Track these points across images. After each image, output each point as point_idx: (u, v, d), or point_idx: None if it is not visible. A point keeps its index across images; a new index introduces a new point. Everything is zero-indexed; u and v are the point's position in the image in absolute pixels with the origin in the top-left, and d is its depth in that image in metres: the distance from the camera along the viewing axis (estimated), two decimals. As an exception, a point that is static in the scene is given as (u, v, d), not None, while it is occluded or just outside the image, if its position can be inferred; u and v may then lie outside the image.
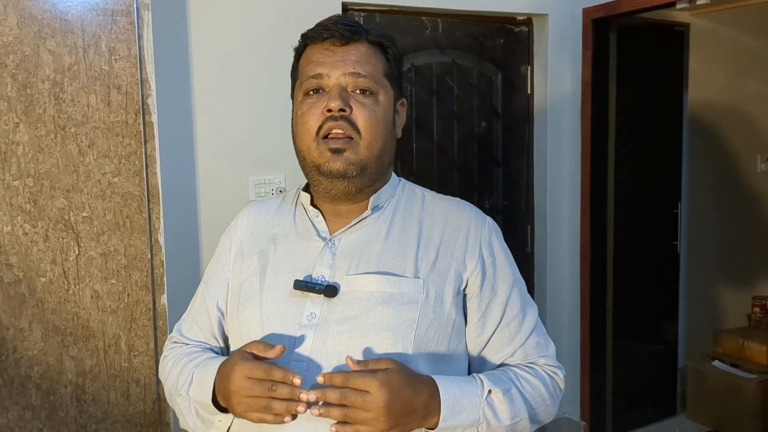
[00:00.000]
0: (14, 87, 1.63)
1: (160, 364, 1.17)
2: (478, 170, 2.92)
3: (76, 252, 1.72)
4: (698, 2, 2.67)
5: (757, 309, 3.47)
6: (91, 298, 1.74)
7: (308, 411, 0.90)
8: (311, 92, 1.05)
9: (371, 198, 1.08)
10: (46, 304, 1.69)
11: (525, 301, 1.11)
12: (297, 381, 0.90)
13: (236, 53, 2.25)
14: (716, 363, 3.22)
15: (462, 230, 1.08)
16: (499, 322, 1.07)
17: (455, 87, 2.81)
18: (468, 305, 1.07)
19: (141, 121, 1.77)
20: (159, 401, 1.84)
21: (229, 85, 2.25)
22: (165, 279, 1.83)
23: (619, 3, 2.72)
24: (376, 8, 2.56)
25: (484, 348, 1.08)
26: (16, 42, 1.63)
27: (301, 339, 1.00)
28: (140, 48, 1.76)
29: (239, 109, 2.27)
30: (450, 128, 2.82)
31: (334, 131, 1.02)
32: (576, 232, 2.99)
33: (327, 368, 0.96)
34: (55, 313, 1.70)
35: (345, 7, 2.48)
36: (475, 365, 1.10)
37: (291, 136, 1.10)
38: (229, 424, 1.02)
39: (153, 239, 1.81)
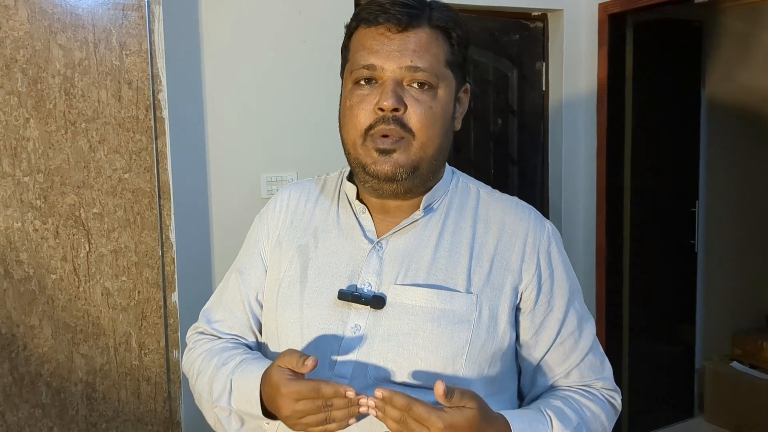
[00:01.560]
0: (24, 82, 1.62)
1: (184, 356, 1.10)
2: (494, 168, 2.88)
3: (87, 249, 1.70)
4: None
5: (776, 310, 3.42)
6: (102, 295, 1.72)
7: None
8: (362, 81, 0.95)
9: (424, 197, 1.00)
10: (57, 301, 1.68)
11: (582, 317, 1.03)
12: (350, 394, 0.84)
13: (248, 49, 2.23)
14: (734, 364, 3.17)
15: (519, 238, 1.00)
16: (554, 340, 1.00)
17: (471, 83, 2.78)
18: (521, 320, 1.00)
19: (152, 116, 1.75)
20: (170, 400, 1.82)
21: (240, 81, 2.23)
22: (176, 276, 1.81)
23: (636, -3, 2.68)
24: (389, 4, 2.53)
25: (536, 366, 1.02)
26: (27, 37, 1.62)
27: (343, 352, 0.94)
28: (151, 43, 1.74)
29: (251, 105, 2.25)
30: (466, 126, 2.79)
31: (384, 132, 0.93)
32: (592, 231, 2.95)
33: (370, 386, 0.91)
34: (66, 310, 1.69)
35: (357, 3, 2.45)
36: (526, 384, 1.04)
37: (338, 125, 1.01)
38: (278, 425, 0.96)
39: (164, 236, 1.79)
